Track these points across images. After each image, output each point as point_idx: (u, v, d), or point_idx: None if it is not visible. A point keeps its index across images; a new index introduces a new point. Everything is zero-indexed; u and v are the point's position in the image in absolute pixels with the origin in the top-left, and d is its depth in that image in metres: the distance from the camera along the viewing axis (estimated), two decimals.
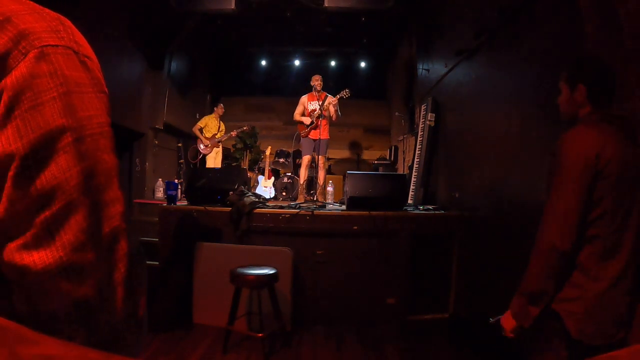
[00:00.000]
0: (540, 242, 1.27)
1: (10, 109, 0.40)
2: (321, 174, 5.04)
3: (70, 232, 0.42)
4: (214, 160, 6.31)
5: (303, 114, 5.17)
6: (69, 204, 0.42)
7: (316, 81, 5.05)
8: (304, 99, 5.19)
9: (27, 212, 0.40)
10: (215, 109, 6.51)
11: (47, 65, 0.42)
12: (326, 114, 4.89)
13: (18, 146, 0.40)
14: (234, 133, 6.46)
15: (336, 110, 4.98)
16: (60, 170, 0.41)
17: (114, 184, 0.48)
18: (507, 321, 1.36)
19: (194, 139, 6.52)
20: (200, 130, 6.24)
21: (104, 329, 0.45)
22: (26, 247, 0.40)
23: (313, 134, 5.05)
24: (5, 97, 0.40)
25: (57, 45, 0.44)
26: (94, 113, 0.46)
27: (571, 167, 1.23)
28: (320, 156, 4.95)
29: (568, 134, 1.28)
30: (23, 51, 0.41)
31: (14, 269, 0.40)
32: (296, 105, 5.24)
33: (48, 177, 0.41)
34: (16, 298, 0.41)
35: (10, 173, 0.40)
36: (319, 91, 5.05)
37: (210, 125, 6.33)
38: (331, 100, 4.94)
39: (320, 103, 4.98)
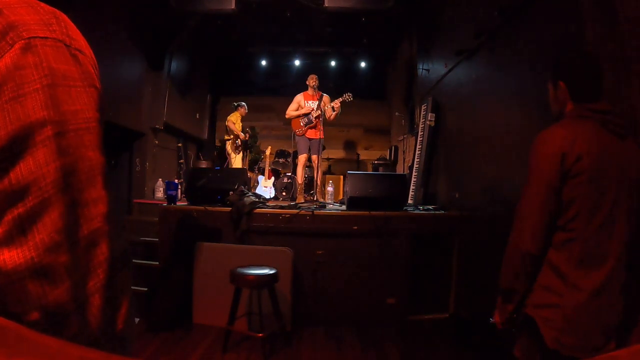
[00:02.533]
0: (508, 244, 1.29)
1: None
2: (319, 174, 5.04)
3: (45, 232, 0.39)
4: (239, 162, 6.25)
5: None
6: (44, 201, 0.39)
7: (313, 80, 5.06)
8: (299, 97, 5.17)
9: None
10: (239, 108, 6.39)
11: (33, 57, 0.41)
12: (331, 113, 4.91)
13: None
14: (247, 136, 6.42)
15: (336, 114, 4.99)
16: (37, 165, 0.39)
17: (98, 183, 0.45)
18: (496, 315, 1.42)
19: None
20: (234, 125, 6.16)
21: (78, 338, 0.42)
22: None
23: (310, 134, 5.05)
24: None
25: (46, 38, 0.42)
26: (80, 107, 0.44)
27: (536, 167, 1.22)
28: (316, 155, 4.94)
29: (540, 134, 1.25)
30: (10, 42, 0.40)
31: None
32: None
33: (24, 171, 0.39)
34: None
35: None
36: (315, 90, 5.06)
37: (239, 124, 6.25)
38: (328, 101, 4.96)
39: (317, 102, 4.98)
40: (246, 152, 6.92)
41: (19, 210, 0.39)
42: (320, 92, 5.09)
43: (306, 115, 5.03)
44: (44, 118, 0.40)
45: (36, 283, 0.39)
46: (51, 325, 0.40)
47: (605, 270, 1.15)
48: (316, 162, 4.93)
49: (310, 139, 5.05)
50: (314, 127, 5.01)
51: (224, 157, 6.42)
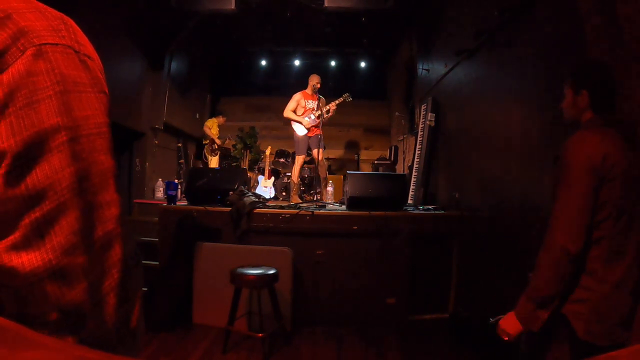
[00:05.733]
0: (550, 247, 1.26)
1: (4, 106, 0.39)
2: (322, 170, 5.01)
3: (61, 234, 0.40)
4: (216, 163, 6.57)
5: (295, 112, 5.05)
6: (60, 205, 0.40)
7: (313, 81, 4.99)
8: (297, 96, 5.05)
9: (17, 212, 0.39)
10: (219, 117, 6.74)
11: (45, 63, 0.41)
12: (330, 112, 4.97)
13: (10, 143, 0.39)
14: (228, 139, 6.79)
15: (330, 116, 5.03)
16: (53, 169, 0.40)
17: (110, 186, 0.46)
18: (512, 325, 1.32)
19: (199, 141, 6.65)
20: (209, 130, 6.50)
21: (94, 337, 0.43)
22: (15, 248, 0.39)
23: (310, 131, 5.00)
24: (0, 93, 0.39)
25: (56, 44, 0.43)
26: (91, 113, 0.45)
27: (578, 170, 1.25)
28: (317, 149, 4.87)
29: (573, 138, 1.30)
30: (21, 48, 0.40)
31: (2, 271, 0.38)
32: None
33: (40, 176, 0.40)
34: (5, 300, 0.40)
35: (1, 171, 0.39)
36: (316, 92, 5.01)
37: (215, 129, 6.56)
38: (324, 104, 5.01)
39: (316, 102, 4.98)
40: (246, 152, 6.97)
41: (36, 214, 0.39)
42: (318, 95, 5.04)
43: (308, 117, 4.99)
44: (58, 124, 0.41)
45: (54, 284, 0.40)
46: (69, 325, 0.41)
47: (624, 265, 1.24)
48: (318, 155, 4.84)
49: (309, 137, 5.00)
50: (317, 126, 4.98)
51: (204, 159, 6.74)
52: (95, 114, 0.46)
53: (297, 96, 5.08)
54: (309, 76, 5.14)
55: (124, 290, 0.47)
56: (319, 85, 4.99)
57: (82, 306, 0.41)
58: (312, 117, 4.98)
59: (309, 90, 5.06)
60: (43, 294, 0.39)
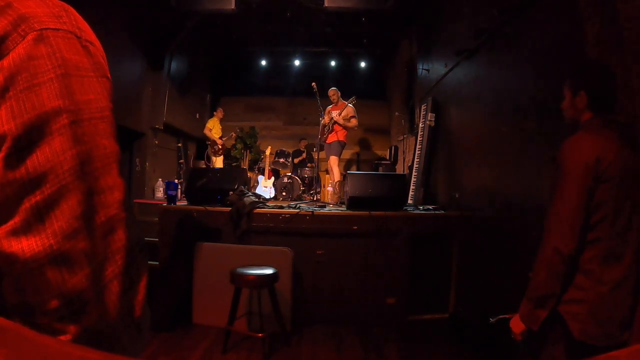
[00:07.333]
0: (544, 247, 1.29)
1: (4, 90, 0.38)
2: (336, 173, 5.43)
3: (63, 219, 0.39)
4: (220, 163, 6.59)
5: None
6: (61, 188, 0.39)
7: (330, 94, 5.47)
8: (328, 109, 5.53)
9: (17, 196, 0.38)
10: (215, 113, 6.74)
11: (46, 48, 0.41)
12: (337, 120, 5.33)
13: (11, 127, 0.38)
14: (233, 134, 6.76)
15: (344, 121, 5.33)
16: (54, 152, 0.39)
17: (113, 170, 0.45)
18: (517, 324, 1.38)
19: (199, 141, 6.64)
20: (210, 132, 6.51)
21: (97, 326, 0.41)
22: (15, 233, 0.38)
23: (327, 139, 5.46)
24: (0, 77, 0.39)
25: (57, 29, 0.43)
26: (94, 97, 0.45)
27: (572, 171, 1.26)
28: (332, 156, 5.35)
29: (569, 140, 1.31)
30: (22, 34, 0.40)
31: (2, 257, 0.38)
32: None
33: (41, 159, 0.39)
34: (5, 288, 0.39)
35: (1, 154, 0.38)
36: (336, 102, 5.46)
37: (217, 128, 6.58)
38: (348, 110, 5.40)
39: (340, 111, 5.34)
40: (246, 152, 6.97)
41: (37, 198, 0.39)
42: (344, 102, 5.39)
43: (324, 126, 5.47)
44: (59, 107, 0.41)
45: (55, 270, 0.39)
46: (70, 313, 0.40)
47: (624, 266, 1.25)
48: (330, 162, 5.35)
49: (329, 144, 5.44)
50: (332, 132, 5.37)
51: (207, 160, 6.78)
52: (97, 98, 0.45)
53: (328, 109, 5.58)
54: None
55: (128, 277, 0.46)
56: (332, 98, 5.47)
57: (84, 293, 0.40)
58: (328, 126, 5.42)
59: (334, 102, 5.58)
60: (44, 281, 0.38)
